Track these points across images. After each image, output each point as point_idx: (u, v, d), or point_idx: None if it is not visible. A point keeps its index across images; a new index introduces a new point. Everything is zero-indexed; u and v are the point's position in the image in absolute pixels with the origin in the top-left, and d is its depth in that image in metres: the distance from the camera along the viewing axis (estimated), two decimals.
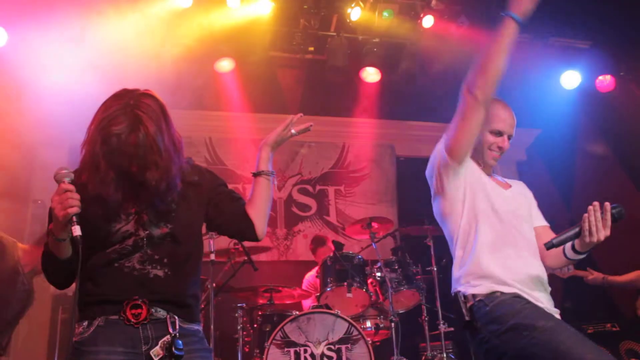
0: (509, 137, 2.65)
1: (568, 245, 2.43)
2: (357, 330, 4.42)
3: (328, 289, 4.92)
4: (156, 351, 1.94)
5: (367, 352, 4.37)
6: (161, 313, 1.98)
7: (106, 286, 1.97)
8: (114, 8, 5.23)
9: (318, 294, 5.03)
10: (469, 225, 2.47)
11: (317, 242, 5.87)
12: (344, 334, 4.42)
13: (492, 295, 2.30)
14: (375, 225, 5.35)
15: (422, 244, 5.41)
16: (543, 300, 2.36)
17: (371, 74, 6.77)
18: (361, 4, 6.10)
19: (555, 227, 7.34)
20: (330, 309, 4.68)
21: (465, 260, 2.44)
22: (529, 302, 2.29)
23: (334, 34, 6.40)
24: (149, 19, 5.38)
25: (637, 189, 6.56)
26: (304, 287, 5.44)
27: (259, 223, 2.24)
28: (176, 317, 2.00)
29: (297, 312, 4.52)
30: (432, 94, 6.68)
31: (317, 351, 4.35)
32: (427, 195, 7.30)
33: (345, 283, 4.87)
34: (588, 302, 6.26)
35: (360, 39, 6.49)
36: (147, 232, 2.01)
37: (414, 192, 7.06)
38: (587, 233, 2.30)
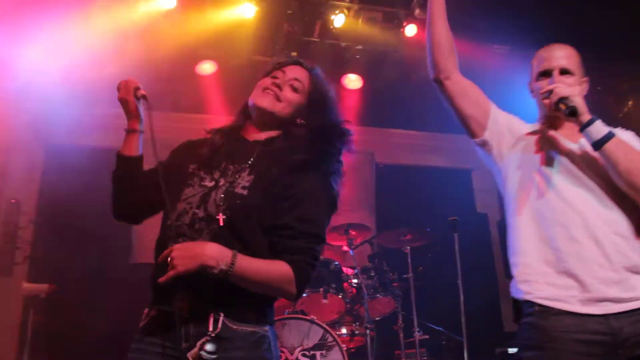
0: (562, 71, 2.25)
1: None
2: (332, 336, 4.42)
3: (304, 295, 4.91)
4: (193, 353, 1.74)
5: (342, 359, 4.36)
6: (204, 309, 1.77)
7: (161, 271, 1.74)
8: (92, 8, 5.19)
9: None
10: None
11: None
12: (319, 340, 4.41)
13: None
14: (352, 232, 5.36)
15: (399, 251, 5.43)
16: None
17: (353, 81, 6.79)
18: (345, 11, 6.12)
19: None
20: (305, 314, 4.67)
21: None
22: None
23: (317, 39, 6.41)
24: (130, 20, 5.35)
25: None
26: None
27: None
28: (221, 315, 1.77)
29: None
30: (413, 103, 6.73)
31: (292, 357, 4.34)
32: (405, 203, 7.37)
33: (321, 289, 4.88)
34: None
35: (343, 46, 6.51)
36: (207, 212, 1.83)
37: (392, 199, 7.15)
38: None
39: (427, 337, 5.20)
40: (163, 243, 1.84)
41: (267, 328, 1.85)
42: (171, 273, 1.69)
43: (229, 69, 6.41)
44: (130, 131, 2.03)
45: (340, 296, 4.93)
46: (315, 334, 4.42)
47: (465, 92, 2.29)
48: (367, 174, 7.33)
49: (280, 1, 6.06)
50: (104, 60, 5.14)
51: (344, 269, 5.18)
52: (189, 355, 1.72)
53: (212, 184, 1.88)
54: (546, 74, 2.26)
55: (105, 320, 5.03)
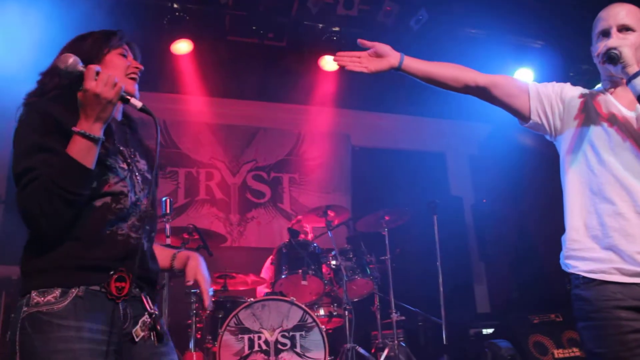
0: (621, 28, 2.19)
1: None
2: (312, 317, 4.43)
3: (283, 276, 4.91)
4: (137, 331, 1.78)
5: (321, 340, 4.38)
6: (137, 290, 1.84)
7: (97, 250, 1.74)
8: None
9: (273, 281, 5.02)
10: None
11: None
12: (299, 321, 4.42)
13: None
14: (330, 213, 5.36)
15: (377, 234, 5.46)
16: None
17: (329, 63, 6.75)
18: None
19: (506, 222, 7.51)
20: (285, 296, 4.67)
21: None
22: None
23: (294, 20, 6.35)
24: None
25: None
26: (262, 273, 5.41)
27: None
28: (148, 297, 1.89)
29: (252, 299, 4.49)
30: (389, 86, 6.73)
31: (272, 338, 4.33)
32: (380, 185, 7.40)
33: (300, 270, 4.88)
34: (535, 293, 6.46)
35: (320, 27, 6.46)
36: (136, 196, 1.89)
37: (368, 181, 7.18)
38: None
39: (403, 318, 5.24)
40: (95, 224, 1.76)
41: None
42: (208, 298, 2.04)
43: (205, 49, 6.32)
44: (98, 140, 1.72)
45: (318, 278, 4.94)
46: (295, 315, 4.43)
47: (497, 87, 2.28)
48: (343, 155, 7.34)
49: None
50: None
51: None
52: (134, 332, 1.79)
53: (125, 166, 1.90)
54: (605, 33, 2.21)
55: None
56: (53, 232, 1.70)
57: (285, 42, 6.52)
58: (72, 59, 1.74)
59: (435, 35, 6.30)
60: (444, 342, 4.96)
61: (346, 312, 4.82)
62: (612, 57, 2.06)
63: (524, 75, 7.01)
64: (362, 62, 2.26)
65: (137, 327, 1.80)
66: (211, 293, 2.07)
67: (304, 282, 4.87)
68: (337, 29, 6.44)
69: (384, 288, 5.26)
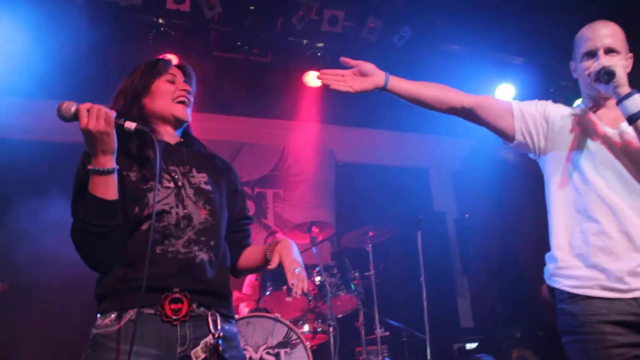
0: (607, 50, 2.20)
1: None
2: (296, 334, 4.42)
3: (267, 293, 4.90)
4: (196, 352, 1.71)
5: (306, 356, 4.37)
6: (202, 309, 1.79)
7: (142, 272, 1.71)
8: None
9: (257, 297, 5.00)
10: None
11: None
12: (283, 338, 4.41)
13: None
14: (315, 229, 5.37)
15: (361, 249, 5.47)
16: None
17: (314, 79, 6.78)
18: (307, 8, 6.12)
19: (489, 237, 7.57)
20: (269, 312, 4.66)
21: None
22: None
23: (279, 36, 6.38)
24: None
25: None
26: (244, 289, 5.38)
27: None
28: (218, 315, 1.82)
29: (236, 316, 4.47)
30: (373, 102, 6.77)
31: (256, 355, 4.31)
32: (365, 200, 7.41)
33: (285, 287, 4.86)
34: (518, 307, 6.50)
35: (305, 43, 6.50)
36: (186, 210, 1.87)
37: (352, 197, 7.20)
38: None
39: (387, 333, 5.24)
40: (143, 246, 1.76)
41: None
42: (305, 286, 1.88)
43: (190, 64, 6.31)
44: (111, 171, 1.76)
45: (303, 294, 4.92)
46: (279, 332, 4.41)
47: (482, 108, 2.30)
48: (327, 171, 7.36)
49: None
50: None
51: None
52: (192, 354, 1.72)
53: (172, 184, 1.90)
54: (591, 54, 2.22)
55: (63, 322, 4.88)
56: (97, 263, 1.81)
57: (270, 57, 6.55)
58: (64, 104, 1.77)
59: (418, 51, 6.37)
60: (428, 358, 4.96)
61: (331, 328, 4.82)
62: (609, 74, 2.08)
63: (505, 91, 7.10)
64: (346, 81, 2.25)
65: (198, 348, 1.73)
66: (299, 272, 1.88)
67: (288, 299, 4.87)
68: (321, 45, 6.49)
69: (368, 304, 5.26)
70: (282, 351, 4.36)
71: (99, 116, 1.72)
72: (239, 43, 6.44)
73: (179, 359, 1.72)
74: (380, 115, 7.11)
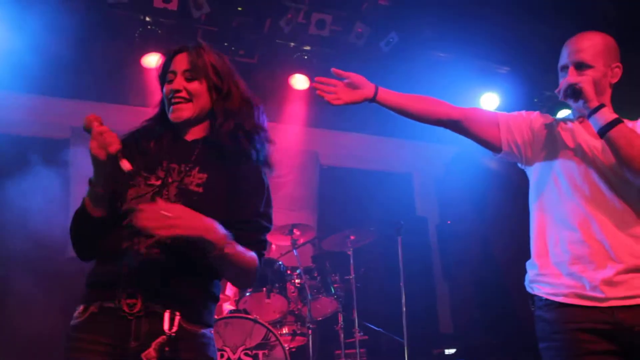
0: (579, 65, 2.22)
1: None
2: (275, 336, 4.42)
3: (247, 294, 4.89)
4: (148, 353, 1.66)
5: (284, 358, 4.37)
6: (159, 307, 1.73)
7: (109, 267, 1.79)
8: None
9: (237, 298, 4.99)
10: None
11: None
12: (262, 340, 4.40)
13: None
14: (296, 232, 5.37)
15: (342, 253, 5.48)
16: None
17: (300, 81, 6.80)
18: (294, 11, 6.13)
19: (470, 244, 7.59)
20: (248, 313, 4.65)
21: None
22: None
23: (266, 38, 6.39)
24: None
25: None
26: (227, 291, 5.37)
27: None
28: (177, 314, 1.74)
29: (215, 317, 4.45)
30: (359, 106, 6.78)
31: (234, 356, 4.30)
32: (347, 205, 7.40)
33: (265, 288, 4.86)
34: (498, 314, 6.52)
35: (292, 46, 6.51)
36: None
37: (334, 200, 7.21)
38: None
39: (366, 337, 5.25)
40: (115, 243, 1.81)
41: (212, 330, 1.90)
42: (174, 232, 1.61)
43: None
44: (96, 192, 1.80)
45: (283, 296, 4.93)
46: (258, 333, 4.41)
47: (469, 120, 2.34)
48: (311, 173, 7.35)
49: None
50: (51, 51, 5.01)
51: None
52: (143, 355, 1.66)
53: (159, 182, 1.86)
54: (563, 69, 2.27)
55: (37, 319, 4.83)
56: (79, 252, 1.92)
57: (256, 59, 6.55)
58: (88, 118, 1.77)
59: (404, 57, 6.40)
60: None
61: (309, 331, 4.82)
62: (575, 92, 2.12)
63: (490, 100, 7.16)
64: (337, 92, 2.28)
65: (150, 349, 1.67)
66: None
67: (267, 300, 4.86)
68: (308, 48, 6.50)
69: (348, 307, 5.27)
70: (260, 352, 4.36)
71: (102, 144, 1.72)
72: (225, 44, 6.43)
73: (132, 353, 1.71)
74: (364, 119, 7.13)
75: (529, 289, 2.28)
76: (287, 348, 4.46)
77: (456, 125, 2.35)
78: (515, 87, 7.06)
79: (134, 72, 6.11)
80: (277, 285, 4.91)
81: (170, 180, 1.87)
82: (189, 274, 1.81)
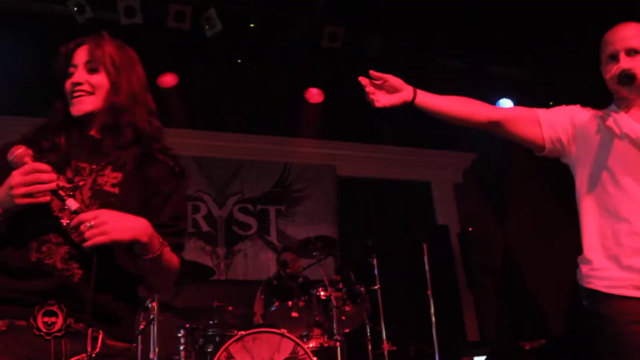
0: (629, 52, 2.20)
1: None
2: (304, 349, 4.37)
3: (273, 308, 4.86)
4: None
5: None
6: (81, 325, 1.59)
7: (21, 282, 1.59)
8: None
9: (263, 312, 4.97)
10: None
11: None
12: (290, 354, 4.35)
13: None
14: (318, 244, 5.34)
15: (365, 263, 5.44)
16: None
17: (314, 95, 6.83)
18: (307, 25, 6.17)
19: (489, 250, 7.54)
20: (276, 328, 4.61)
21: None
22: None
23: (280, 53, 6.43)
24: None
25: (570, 216, 6.81)
26: (255, 307, 5.34)
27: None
28: (100, 332, 1.62)
29: (242, 332, 4.43)
30: (374, 116, 6.79)
31: None
32: (368, 214, 7.38)
33: (291, 302, 4.82)
34: (523, 320, 6.46)
35: (305, 60, 6.54)
36: (72, 215, 1.58)
37: (355, 211, 7.19)
38: None
39: (395, 348, 5.19)
40: (21, 256, 1.62)
41: (135, 345, 1.84)
42: (102, 239, 1.52)
43: (191, 82, 6.38)
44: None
45: (309, 309, 4.89)
46: (286, 348, 4.36)
47: (510, 121, 2.30)
48: (328, 187, 7.35)
49: (243, 15, 6.05)
50: None
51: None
52: None
53: (70, 185, 1.68)
54: (613, 57, 2.23)
55: None
56: None
57: (270, 74, 6.59)
58: (15, 154, 1.64)
59: (419, 65, 6.40)
60: None
61: (337, 344, 4.77)
62: (629, 78, 2.12)
63: (506, 105, 7.13)
64: (375, 94, 2.22)
65: None
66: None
67: (294, 314, 4.82)
68: (321, 61, 6.53)
69: (375, 318, 5.22)
70: None
71: (31, 187, 1.57)
72: (239, 60, 6.50)
73: None
74: (381, 130, 7.15)
75: (582, 284, 2.22)
76: None
77: (497, 127, 2.31)
78: (530, 91, 7.04)
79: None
80: (302, 298, 4.86)
81: (82, 182, 1.71)
82: (110, 287, 1.66)
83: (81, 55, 1.83)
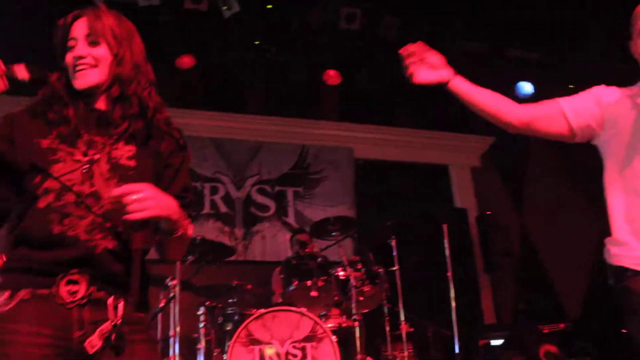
0: None
1: None
2: (323, 328, 4.39)
3: (292, 288, 4.87)
4: (93, 341, 1.56)
5: (333, 351, 4.34)
6: (103, 293, 1.63)
7: (44, 253, 1.62)
8: None
9: (282, 291, 4.99)
10: None
11: None
12: (309, 332, 4.38)
13: None
14: (337, 225, 5.34)
15: (384, 245, 5.44)
16: None
17: (332, 77, 6.81)
18: (325, 7, 6.14)
19: (507, 233, 7.48)
20: (295, 306, 4.63)
21: None
22: None
23: (297, 35, 6.41)
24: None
25: (588, 199, 6.77)
26: (273, 286, 5.37)
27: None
28: (121, 300, 1.65)
29: (262, 310, 4.45)
30: (392, 99, 6.79)
31: (282, 349, 4.29)
32: (386, 197, 7.38)
33: (310, 282, 4.84)
34: (540, 303, 6.44)
35: (323, 41, 6.52)
36: (93, 188, 1.65)
37: (372, 193, 7.19)
38: None
39: (412, 329, 5.20)
40: (43, 228, 1.64)
41: (148, 315, 1.85)
42: (145, 214, 1.56)
43: (208, 64, 6.38)
44: None
45: (328, 289, 4.90)
46: (305, 326, 4.38)
47: (536, 121, 2.26)
48: (345, 169, 7.35)
49: None
50: None
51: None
52: (87, 343, 1.57)
53: (87, 158, 1.71)
54: None
55: None
56: None
57: (287, 56, 6.58)
58: None
59: (436, 47, 6.36)
60: (457, 352, 4.92)
61: (355, 324, 4.78)
62: None
63: (524, 88, 7.08)
64: (412, 67, 2.19)
65: (94, 336, 1.58)
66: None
67: (313, 293, 4.83)
68: (338, 42, 6.50)
69: (393, 299, 5.22)
70: (308, 345, 4.34)
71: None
72: (256, 42, 6.48)
73: (77, 343, 1.59)
74: (398, 112, 7.12)
75: (611, 262, 2.18)
76: (335, 340, 4.42)
77: (524, 129, 2.27)
78: (549, 74, 6.97)
79: (170, 73, 6.19)
80: (322, 278, 4.88)
81: (97, 155, 1.73)
82: (130, 259, 1.67)
83: (81, 28, 1.80)
